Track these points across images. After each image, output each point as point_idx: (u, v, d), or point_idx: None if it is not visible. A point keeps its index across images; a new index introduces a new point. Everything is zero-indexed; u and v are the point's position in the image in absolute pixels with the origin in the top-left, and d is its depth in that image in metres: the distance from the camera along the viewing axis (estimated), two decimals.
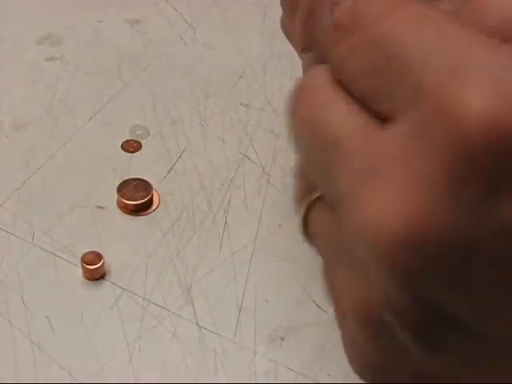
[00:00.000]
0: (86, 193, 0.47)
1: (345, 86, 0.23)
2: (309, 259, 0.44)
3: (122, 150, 0.50)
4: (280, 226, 0.46)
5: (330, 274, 0.25)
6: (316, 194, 0.26)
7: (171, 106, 0.53)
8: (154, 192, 0.47)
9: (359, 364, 0.26)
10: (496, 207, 0.20)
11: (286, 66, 0.53)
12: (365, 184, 0.21)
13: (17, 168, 0.49)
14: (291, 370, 0.39)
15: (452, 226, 0.20)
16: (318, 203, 0.26)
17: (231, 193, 0.47)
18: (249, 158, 0.49)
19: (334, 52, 0.23)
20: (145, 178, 0.47)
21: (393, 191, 0.20)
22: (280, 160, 0.49)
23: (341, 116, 0.23)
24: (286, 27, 0.36)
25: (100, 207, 0.46)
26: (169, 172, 0.48)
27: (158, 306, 0.42)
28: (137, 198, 0.46)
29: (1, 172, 0.48)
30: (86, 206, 0.46)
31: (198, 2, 0.61)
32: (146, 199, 0.46)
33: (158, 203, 0.47)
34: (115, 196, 0.46)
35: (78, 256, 0.43)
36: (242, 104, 0.52)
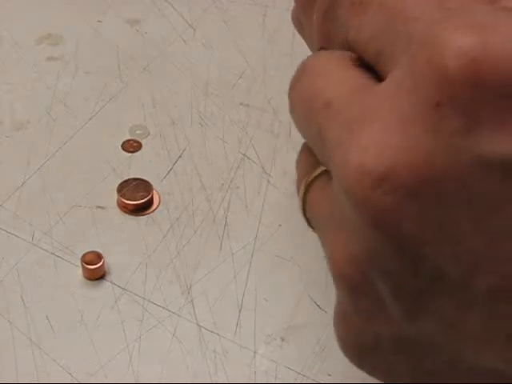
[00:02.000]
0: (86, 193, 0.47)
1: (359, 56, 0.24)
2: (309, 259, 0.44)
3: (122, 150, 0.50)
4: (280, 225, 0.46)
5: (324, 246, 0.25)
6: (314, 174, 0.26)
7: (171, 106, 0.53)
8: (154, 192, 0.47)
9: (345, 339, 0.26)
10: (478, 141, 0.20)
11: (286, 65, 0.53)
12: (352, 130, 0.21)
13: (17, 168, 0.49)
14: (291, 369, 0.39)
15: (433, 161, 0.20)
16: (316, 182, 0.26)
17: (231, 193, 0.47)
18: (249, 158, 0.49)
19: (350, 24, 0.24)
20: (145, 178, 0.47)
21: (378, 133, 0.21)
22: (280, 160, 0.49)
23: (338, 81, 0.23)
24: (299, 21, 0.33)
25: (100, 207, 0.46)
26: (169, 172, 0.48)
27: (158, 305, 0.42)
28: (137, 198, 0.46)
29: (1, 172, 0.48)
30: (86, 206, 0.46)
31: (198, 1, 0.61)
32: (146, 199, 0.46)
33: (158, 203, 0.47)
34: (115, 196, 0.46)
35: (78, 256, 0.43)
36: (241, 104, 0.52)
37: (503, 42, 0.19)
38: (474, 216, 0.20)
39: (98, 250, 0.43)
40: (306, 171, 0.26)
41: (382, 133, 0.20)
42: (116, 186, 0.47)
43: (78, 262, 0.43)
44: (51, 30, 0.58)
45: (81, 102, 0.53)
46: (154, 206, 0.47)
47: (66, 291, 0.42)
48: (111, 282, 0.43)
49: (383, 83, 0.22)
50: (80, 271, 0.43)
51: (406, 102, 0.20)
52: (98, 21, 0.59)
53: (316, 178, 0.26)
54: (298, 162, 0.28)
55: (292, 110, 0.26)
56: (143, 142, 0.50)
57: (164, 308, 0.42)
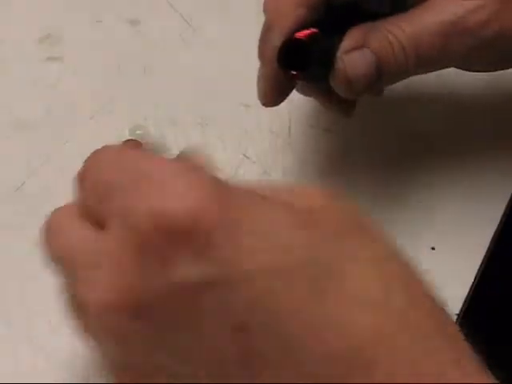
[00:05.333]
0: None
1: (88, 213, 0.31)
2: None
3: None
4: None
5: None
6: None
7: (171, 106, 0.53)
8: None
9: None
10: (167, 275, 0.27)
11: None
12: (85, 275, 0.29)
13: (17, 168, 0.49)
14: None
15: (136, 292, 0.27)
16: None
17: None
18: (249, 158, 0.49)
19: (79, 195, 0.32)
20: None
21: (101, 276, 0.28)
22: (280, 160, 0.50)
23: (71, 236, 0.31)
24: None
25: None
26: None
27: None
28: None
29: (1, 172, 0.48)
30: None
31: (198, 1, 0.61)
32: None
33: None
34: None
35: None
36: (241, 104, 0.52)
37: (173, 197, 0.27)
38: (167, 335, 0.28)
39: None
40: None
41: (104, 275, 0.28)
42: None
43: None
44: (51, 30, 0.58)
45: (81, 102, 0.53)
46: None
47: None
48: None
49: (102, 233, 0.29)
50: None
51: (117, 249, 0.28)
52: (98, 21, 0.59)
53: None
54: None
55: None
56: (143, 142, 0.50)
57: None
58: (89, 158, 0.32)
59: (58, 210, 0.33)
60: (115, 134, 0.51)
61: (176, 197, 0.27)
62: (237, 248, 0.27)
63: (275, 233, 0.27)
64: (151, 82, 0.55)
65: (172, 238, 0.27)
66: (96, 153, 0.32)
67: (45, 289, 0.42)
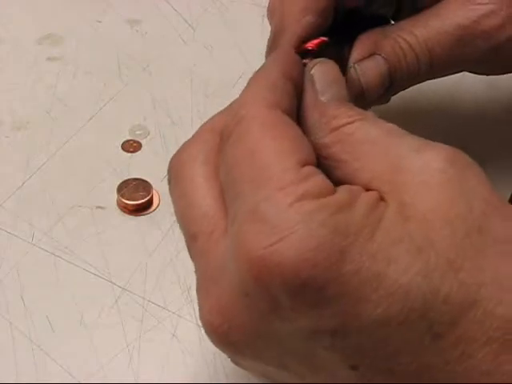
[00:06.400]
0: (86, 193, 0.47)
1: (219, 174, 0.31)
2: None
3: (122, 150, 0.50)
4: None
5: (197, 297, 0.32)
6: None
7: (171, 106, 0.53)
8: (153, 192, 0.47)
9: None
10: (277, 319, 0.27)
11: None
12: (202, 289, 0.30)
13: (17, 168, 0.49)
14: None
15: (244, 327, 0.28)
16: None
17: None
18: None
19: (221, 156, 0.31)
20: (145, 178, 0.47)
21: (215, 298, 0.29)
22: None
23: (201, 213, 0.30)
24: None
25: (100, 207, 0.46)
26: None
27: (158, 305, 0.42)
28: (137, 198, 0.46)
29: (1, 172, 0.48)
30: (86, 206, 0.46)
31: (198, 1, 0.61)
32: (146, 199, 0.46)
33: (158, 203, 0.47)
34: (115, 196, 0.46)
35: (78, 256, 0.43)
36: None
37: (288, 249, 0.26)
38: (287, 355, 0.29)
39: (98, 250, 0.43)
40: None
41: (216, 300, 0.29)
42: (116, 186, 0.47)
43: (78, 262, 0.43)
44: (51, 29, 0.58)
45: (81, 102, 0.53)
46: (154, 206, 0.47)
47: (66, 291, 0.42)
48: (111, 282, 0.43)
49: (224, 243, 0.29)
50: (80, 271, 0.43)
51: (232, 278, 0.28)
52: (98, 21, 0.59)
53: None
54: None
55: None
56: (143, 142, 0.50)
57: (164, 308, 0.42)
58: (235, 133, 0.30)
59: (190, 147, 0.33)
60: (115, 133, 0.51)
61: (294, 245, 0.26)
62: (350, 302, 0.27)
63: (390, 280, 0.27)
64: (151, 81, 0.55)
65: (285, 286, 0.27)
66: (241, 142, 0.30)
67: (45, 288, 0.42)
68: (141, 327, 0.41)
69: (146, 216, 0.46)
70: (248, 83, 0.32)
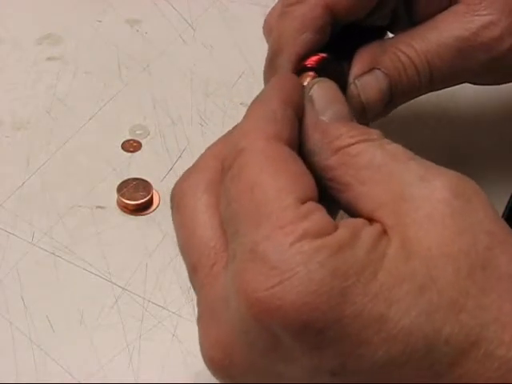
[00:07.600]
0: (86, 193, 0.47)
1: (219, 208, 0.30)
2: None
3: (122, 150, 0.50)
4: None
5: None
6: None
7: (171, 106, 0.53)
8: (154, 192, 0.47)
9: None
10: (277, 357, 0.28)
11: None
12: (202, 320, 0.31)
13: (17, 168, 0.49)
14: None
15: (245, 363, 0.29)
16: None
17: None
18: None
19: (222, 188, 0.30)
20: (145, 178, 0.47)
21: (216, 333, 0.30)
22: None
23: (202, 244, 0.30)
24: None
25: (100, 207, 0.46)
26: (169, 172, 0.48)
27: (158, 305, 0.42)
28: (137, 198, 0.46)
29: (1, 172, 0.48)
30: (86, 206, 0.46)
31: (198, 1, 0.61)
32: (145, 199, 0.46)
33: (157, 203, 0.47)
34: (115, 196, 0.46)
35: (78, 256, 0.43)
36: (241, 104, 0.52)
37: (289, 292, 0.26)
38: None
39: (98, 250, 0.43)
40: None
41: (217, 334, 0.29)
42: (116, 185, 0.47)
43: (78, 262, 0.43)
44: (51, 30, 0.58)
45: (81, 102, 0.53)
46: (154, 205, 0.47)
47: (66, 291, 0.42)
48: (111, 282, 0.43)
49: (224, 278, 0.29)
50: (79, 271, 0.43)
51: (232, 314, 0.28)
52: (98, 21, 0.59)
53: None
54: None
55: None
56: (143, 142, 0.50)
57: (164, 308, 0.42)
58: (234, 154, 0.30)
59: (193, 179, 0.32)
60: (115, 133, 0.51)
61: (294, 288, 0.26)
62: (351, 344, 0.27)
63: (390, 321, 0.27)
64: (151, 81, 0.55)
65: (286, 328, 0.27)
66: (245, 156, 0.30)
67: (45, 288, 0.42)
68: (141, 327, 0.41)
69: (146, 216, 0.46)
70: (248, 111, 0.31)
